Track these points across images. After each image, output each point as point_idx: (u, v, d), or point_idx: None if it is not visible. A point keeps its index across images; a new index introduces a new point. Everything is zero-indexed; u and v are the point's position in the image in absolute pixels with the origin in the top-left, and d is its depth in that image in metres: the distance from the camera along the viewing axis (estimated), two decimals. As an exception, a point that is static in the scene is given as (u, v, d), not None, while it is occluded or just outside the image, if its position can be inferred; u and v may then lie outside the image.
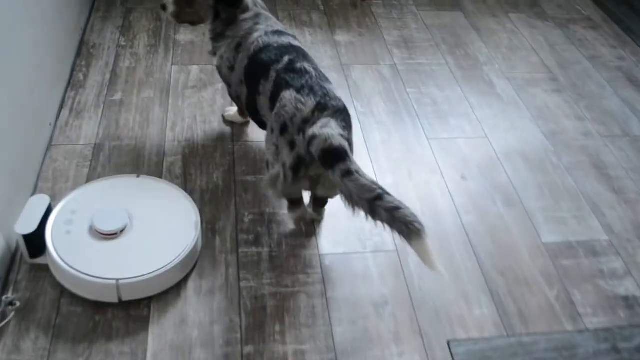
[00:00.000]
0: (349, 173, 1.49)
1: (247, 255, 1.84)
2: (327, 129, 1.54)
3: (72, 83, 2.49)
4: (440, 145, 2.33)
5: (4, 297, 1.63)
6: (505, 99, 2.61)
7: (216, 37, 2.05)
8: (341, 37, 2.92)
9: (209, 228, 1.92)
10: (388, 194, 1.46)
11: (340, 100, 1.67)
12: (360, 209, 1.50)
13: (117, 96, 2.44)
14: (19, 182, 1.87)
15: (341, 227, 1.96)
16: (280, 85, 1.70)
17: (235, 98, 2.13)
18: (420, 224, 1.41)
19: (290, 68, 1.73)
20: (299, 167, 1.62)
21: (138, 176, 1.96)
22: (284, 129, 1.63)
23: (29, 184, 1.97)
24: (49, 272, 1.72)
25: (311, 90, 1.64)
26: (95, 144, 2.21)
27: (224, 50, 2.00)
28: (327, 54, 2.79)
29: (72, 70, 2.56)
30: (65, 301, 1.68)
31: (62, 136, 2.24)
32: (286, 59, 1.77)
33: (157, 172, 2.11)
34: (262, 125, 1.98)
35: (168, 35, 2.83)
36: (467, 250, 1.92)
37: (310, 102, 1.61)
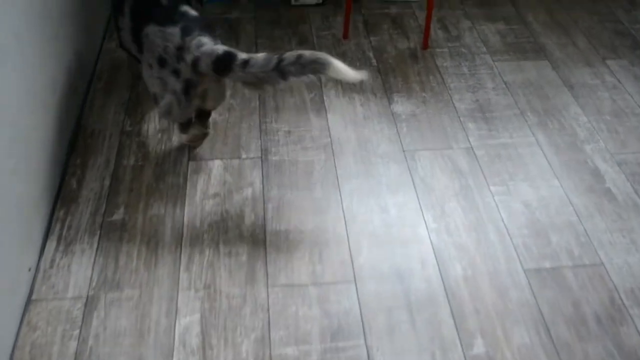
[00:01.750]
0: (245, 63, 1.68)
1: None
2: (205, 46, 1.72)
3: (63, 195, 1.96)
4: (541, 282, 1.73)
5: None
6: (619, 198, 1.98)
7: None
8: (400, 106, 2.32)
9: None
10: (283, 54, 1.64)
11: (198, 17, 1.82)
12: (272, 81, 1.68)
13: (118, 214, 1.90)
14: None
15: None
16: (139, 21, 1.85)
17: None
18: (322, 54, 1.61)
19: (141, 1, 1.87)
20: (189, 89, 1.80)
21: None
22: (162, 62, 1.79)
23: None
24: None
25: (170, 18, 1.78)
26: (87, 298, 1.68)
27: None
28: (384, 135, 2.19)
29: (64, 173, 2.03)
30: None
31: (46, 285, 1.71)
32: None
33: (166, 344, 1.56)
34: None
35: (184, 115, 2.26)
36: None
37: (175, 31, 1.76)
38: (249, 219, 1.90)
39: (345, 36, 2.65)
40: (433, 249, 1.81)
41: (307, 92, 2.39)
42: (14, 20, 1.67)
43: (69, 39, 2.14)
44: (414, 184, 2.01)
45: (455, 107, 2.32)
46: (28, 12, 1.78)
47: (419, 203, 1.95)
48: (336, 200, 1.96)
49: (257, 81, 1.70)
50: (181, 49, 1.75)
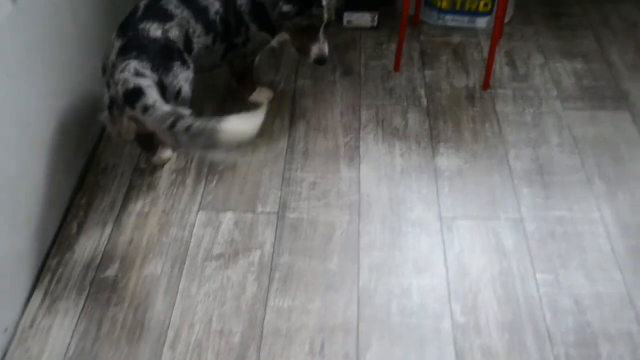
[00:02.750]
0: (146, 108, 1.56)
1: None
2: (125, 73, 1.62)
3: (60, 240, 1.82)
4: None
5: None
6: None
7: None
8: (446, 160, 2.03)
9: None
10: (183, 117, 1.52)
11: (158, 39, 1.69)
12: (171, 144, 1.66)
13: (112, 270, 1.74)
14: None
15: None
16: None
17: None
18: (211, 124, 1.49)
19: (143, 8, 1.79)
20: (111, 107, 1.71)
21: None
22: (104, 70, 1.75)
23: None
24: None
25: (124, 30, 1.72)
26: (59, 371, 1.52)
27: None
28: (421, 196, 1.92)
29: (66, 215, 1.88)
30: None
31: (20, 349, 1.57)
32: None
33: None
34: None
35: (202, 154, 2.07)
36: None
37: (117, 45, 1.69)
38: (250, 289, 1.68)
39: (397, 68, 2.38)
40: (456, 352, 1.54)
41: (343, 134, 2.14)
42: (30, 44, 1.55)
43: (87, 64, 1.97)
44: (446, 263, 1.74)
45: (509, 166, 2.00)
46: (41, 35, 1.66)
47: (449, 289, 1.67)
48: (353, 275, 1.71)
49: (159, 134, 1.59)
50: (115, 67, 1.67)
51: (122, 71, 1.63)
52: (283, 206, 1.89)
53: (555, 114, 2.19)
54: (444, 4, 2.53)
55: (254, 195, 1.93)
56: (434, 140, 2.10)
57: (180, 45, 1.76)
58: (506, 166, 2.00)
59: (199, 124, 1.50)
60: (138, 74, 1.62)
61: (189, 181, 1.98)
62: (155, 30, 1.71)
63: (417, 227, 1.83)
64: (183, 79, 1.73)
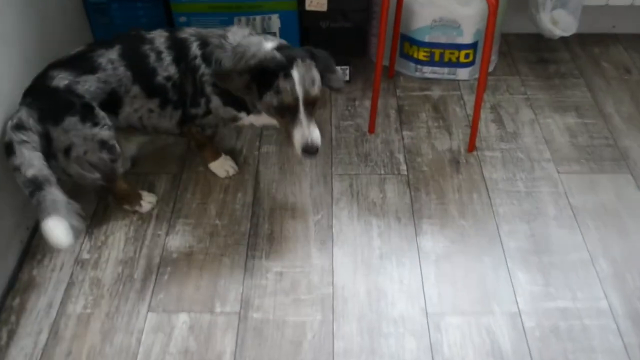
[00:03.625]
0: (14, 169, 1.51)
1: None
2: (9, 122, 1.55)
3: (-16, 357, 1.54)
4: None
5: None
6: None
7: None
8: (430, 239, 1.79)
9: None
10: (42, 188, 1.47)
11: (54, 88, 1.59)
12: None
13: (43, 395, 1.46)
14: None
15: None
16: None
17: None
18: (51, 206, 1.45)
19: None
20: None
21: None
22: None
23: None
24: None
25: (39, 74, 1.66)
26: None
27: None
28: (403, 286, 1.68)
29: (-8, 323, 1.60)
30: None
31: None
32: None
33: None
34: None
35: (155, 240, 1.81)
36: None
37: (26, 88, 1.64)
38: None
39: (372, 129, 2.15)
40: None
41: (313, 211, 1.89)
42: None
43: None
44: (433, 373, 1.49)
45: (502, 245, 1.77)
46: None
47: (437, 407, 1.43)
48: (326, 393, 1.46)
49: None
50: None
51: (10, 118, 1.57)
52: (245, 304, 1.64)
53: (550, 180, 1.97)
54: (421, 55, 2.31)
55: (212, 292, 1.67)
56: (415, 215, 1.87)
57: (94, 102, 1.63)
58: (498, 245, 1.77)
59: (42, 205, 1.46)
60: (18, 126, 1.54)
61: (138, 274, 1.73)
62: (59, 80, 1.61)
63: (399, 326, 1.58)
64: (78, 135, 1.59)
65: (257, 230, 1.84)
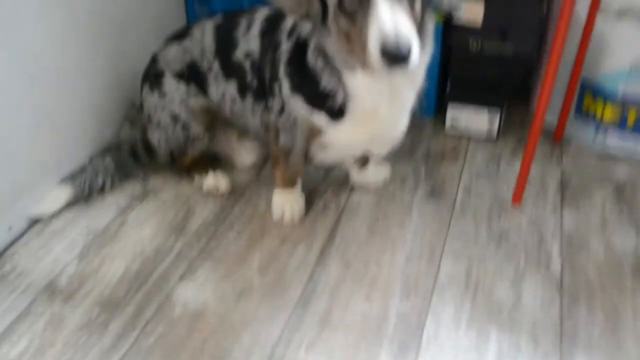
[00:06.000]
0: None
1: None
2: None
3: None
4: None
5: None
6: None
7: None
8: None
9: None
10: None
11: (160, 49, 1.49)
12: None
13: None
14: None
15: None
16: None
17: None
18: None
19: None
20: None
21: None
22: None
23: None
24: None
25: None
26: None
27: None
28: None
29: None
30: None
31: None
32: None
33: None
34: None
35: (160, 282, 1.23)
36: None
37: None
38: None
39: (517, 200, 1.45)
40: None
41: (401, 296, 1.24)
42: None
43: None
44: None
45: None
46: None
47: None
48: None
49: None
50: None
51: None
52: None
53: None
54: (607, 114, 1.61)
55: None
56: (564, 338, 1.13)
57: (168, 71, 1.46)
58: None
59: None
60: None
61: (115, 325, 1.14)
62: (159, 48, 1.51)
63: None
64: (149, 103, 1.50)
65: (308, 303, 1.20)
